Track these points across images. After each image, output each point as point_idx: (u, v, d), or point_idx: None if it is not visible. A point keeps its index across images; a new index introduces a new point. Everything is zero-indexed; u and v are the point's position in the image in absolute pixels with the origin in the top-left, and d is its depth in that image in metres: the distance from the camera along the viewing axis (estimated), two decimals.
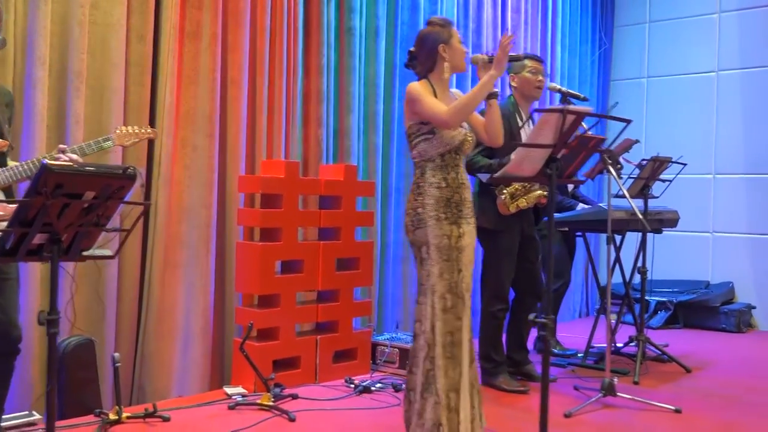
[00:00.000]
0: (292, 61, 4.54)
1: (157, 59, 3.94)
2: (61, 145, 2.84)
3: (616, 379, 3.92)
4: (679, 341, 5.78)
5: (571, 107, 2.40)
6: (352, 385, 4.10)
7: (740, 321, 6.35)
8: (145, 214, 3.90)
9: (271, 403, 3.64)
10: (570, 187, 5.07)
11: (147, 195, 3.92)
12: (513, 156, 2.45)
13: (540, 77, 4.14)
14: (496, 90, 3.04)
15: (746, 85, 6.68)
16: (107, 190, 2.32)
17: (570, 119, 2.41)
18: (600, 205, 4.76)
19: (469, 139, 3.07)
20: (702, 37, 6.94)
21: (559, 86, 4.04)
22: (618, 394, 3.86)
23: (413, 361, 3.02)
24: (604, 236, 5.01)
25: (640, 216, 3.80)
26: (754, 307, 6.59)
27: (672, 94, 7.14)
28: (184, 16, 4.03)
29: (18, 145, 3.35)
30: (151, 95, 3.92)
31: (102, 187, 2.29)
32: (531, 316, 2.55)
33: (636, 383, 4.35)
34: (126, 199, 2.42)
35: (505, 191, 3.97)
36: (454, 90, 3.28)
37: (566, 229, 4.86)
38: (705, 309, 6.46)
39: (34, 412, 3.36)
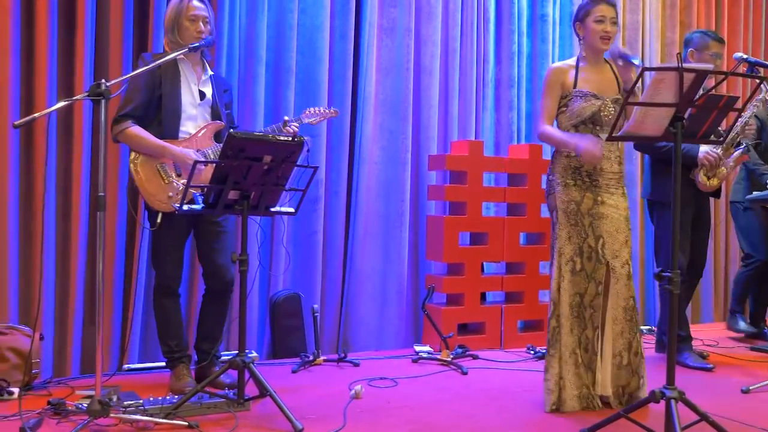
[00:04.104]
0: (482, 49, 4.87)
1: (358, 54, 4.50)
2: (286, 117, 3.44)
3: None
4: None
5: (689, 65, 2.45)
6: (532, 352, 4.32)
7: None
8: (348, 191, 4.50)
9: (448, 359, 4.02)
10: None
11: (349, 174, 4.50)
12: (633, 115, 2.57)
13: (718, 62, 4.04)
14: (636, 61, 3.04)
15: None
16: (281, 154, 2.87)
17: (689, 78, 2.47)
18: None
19: (607, 110, 3.13)
20: None
21: (744, 55, 3.91)
22: None
23: None
24: None
25: None
26: None
27: None
28: (382, 14, 4.55)
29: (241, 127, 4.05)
30: (352, 86, 4.49)
31: (275, 151, 2.84)
32: (656, 270, 2.63)
33: None
34: (298, 164, 2.96)
35: (700, 173, 3.94)
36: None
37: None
38: None
39: (253, 351, 4.06)
